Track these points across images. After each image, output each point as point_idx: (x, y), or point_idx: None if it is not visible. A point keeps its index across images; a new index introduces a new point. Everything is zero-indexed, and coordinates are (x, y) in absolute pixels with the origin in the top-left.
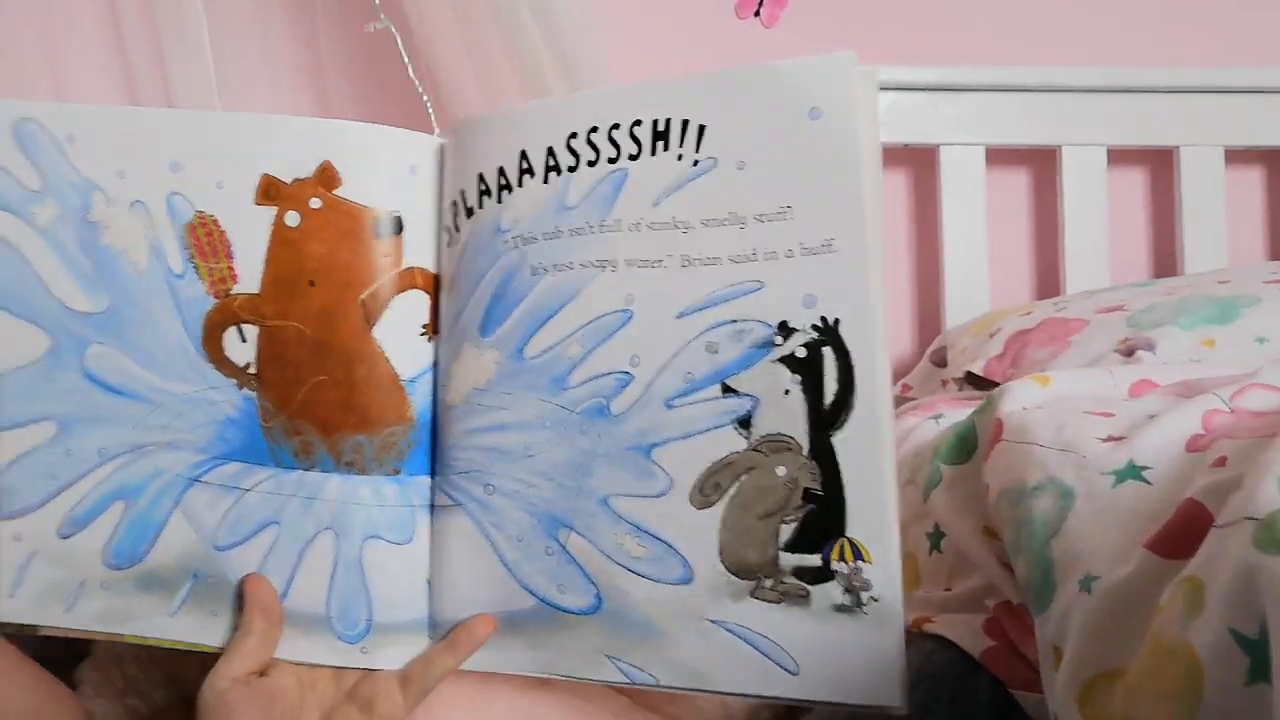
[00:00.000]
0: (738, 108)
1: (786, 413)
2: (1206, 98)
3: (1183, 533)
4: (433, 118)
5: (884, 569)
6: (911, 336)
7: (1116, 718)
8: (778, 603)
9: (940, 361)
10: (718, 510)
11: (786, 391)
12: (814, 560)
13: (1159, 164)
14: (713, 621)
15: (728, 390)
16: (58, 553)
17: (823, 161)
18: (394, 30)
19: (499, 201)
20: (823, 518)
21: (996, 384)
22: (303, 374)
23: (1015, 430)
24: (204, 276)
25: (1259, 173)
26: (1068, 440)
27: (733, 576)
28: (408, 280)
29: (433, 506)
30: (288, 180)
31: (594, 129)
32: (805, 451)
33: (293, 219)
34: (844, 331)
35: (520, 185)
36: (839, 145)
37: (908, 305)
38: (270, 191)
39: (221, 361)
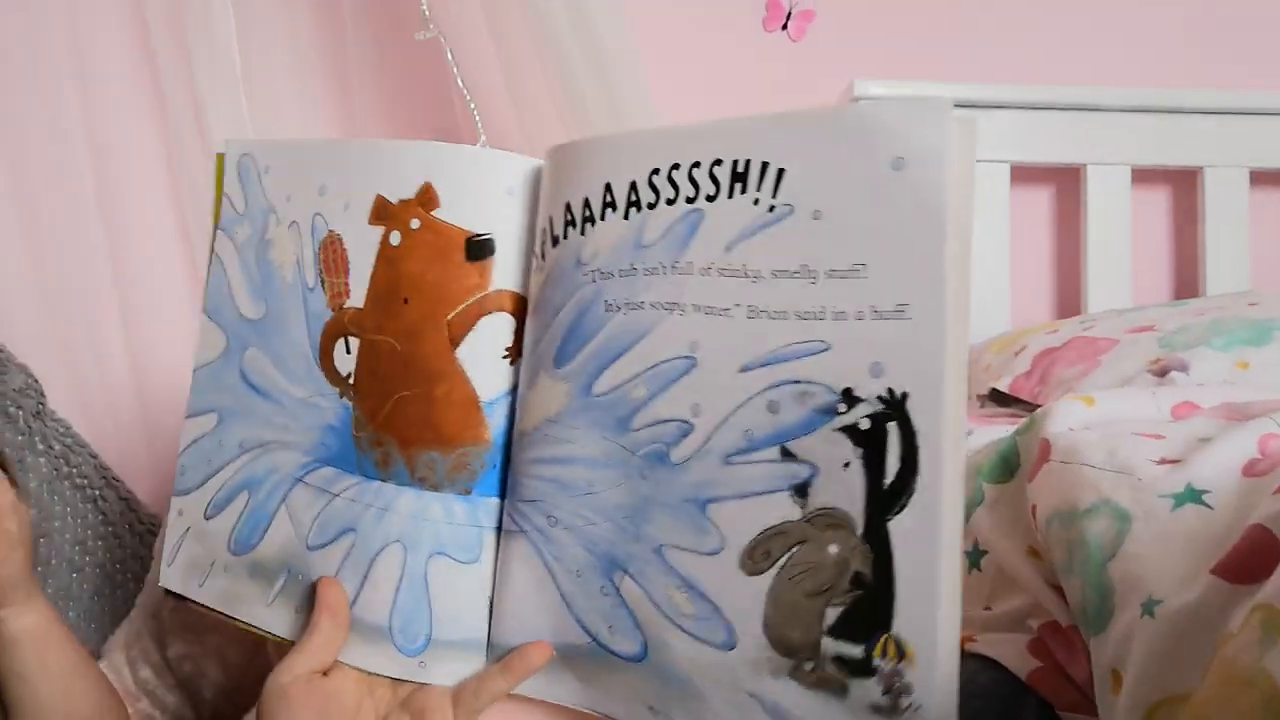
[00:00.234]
0: (818, 152)
1: (845, 487)
2: (1231, 119)
3: (1251, 559)
4: (479, 124)
5: (929, 674)
6: None
7: None
8: (815, 689)
9: None
10: (766, 580)
11: (847, 464)
12: (856, 651)
13: (1183, 184)
14: (750, 695)
15: (787, 454)
16: (202, 531)
17: (901, 217)
18: (444, 38)
19: (582, 234)
20: (870, 607)
21: (1022, 401)
22: (390, 387)
23: (1064, 451)
24: (327, 290)
25: None
26: (1121, 462)
27: (774, 653)
28: (494, 303)
29: (500, 529)
30: (395, 201)
31: (676, 165)
32: (859, 532)
33: (395, 238)
34: (911, 407)
35: (603, 219)
36: (922, 200)
37: None
38: (381, 212)
39: (330, 370)
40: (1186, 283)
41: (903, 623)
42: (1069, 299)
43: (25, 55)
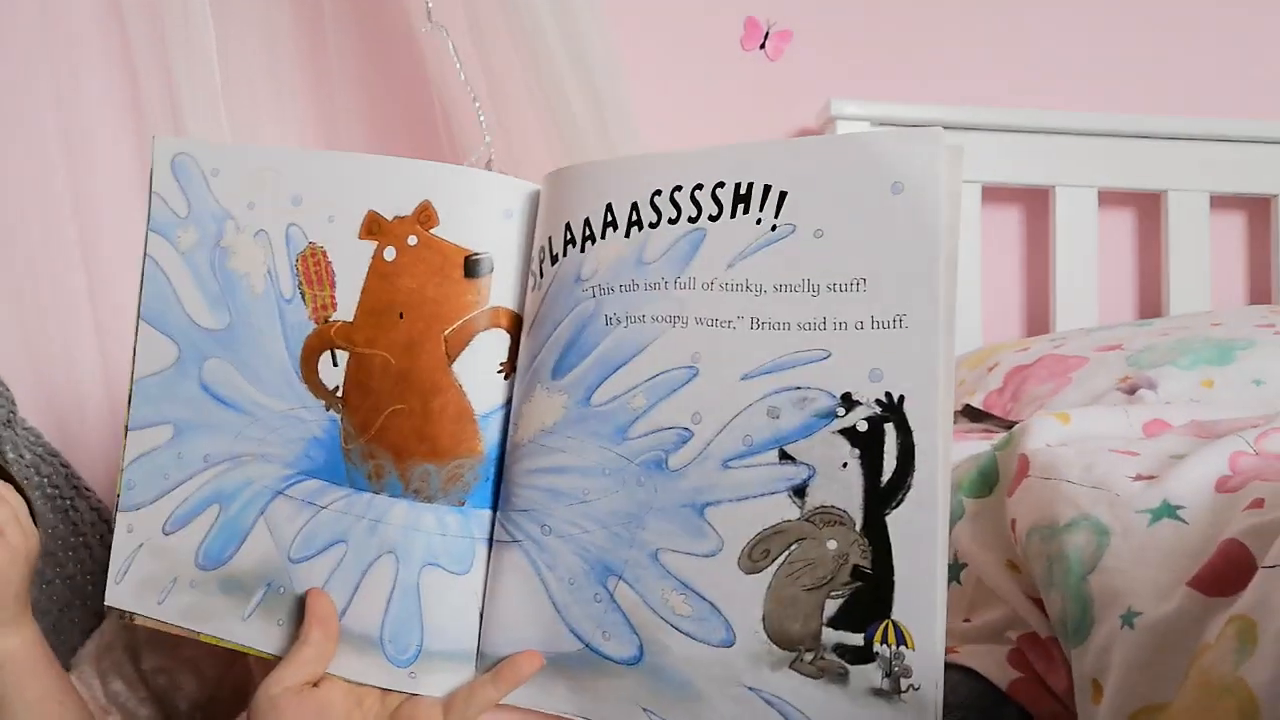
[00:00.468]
0: (820, 176)
1: (843, 485)
2: (1195, 145)
3: (1226, 572)
4: (483, 123)
5: (926, 657)
6: None
7: None
8: (816, 678)
9: None
10: (765, 577)
11: (844, 464)
12: (856, 639)
13: (1147, 206)
14: (750, 689)
15: (785, 457)
16: (159, 547)
17: (901, 236)
18: (447, 33)
19: (582, 251)
20: (869, 597)
21: (994, 417)
22: (383, 401)
23: (1042, 466)
24: (309, 303)
25: (1241, 218)
26: (1099, 478)
27: (774, 646)
28: (491, 319)
29: (492, 541)
30: (390, 217)
31: (678, 187)
32: (858, 527)
33: (390, 254)
34: (908, 409)
35: (603, 237)
36: (919, 221)
37: None
38: (373, 227)
39: (314, 383)
40: (1150, 302)
41: (902, 608)
42: (1038, 316)
43: (0, 61)
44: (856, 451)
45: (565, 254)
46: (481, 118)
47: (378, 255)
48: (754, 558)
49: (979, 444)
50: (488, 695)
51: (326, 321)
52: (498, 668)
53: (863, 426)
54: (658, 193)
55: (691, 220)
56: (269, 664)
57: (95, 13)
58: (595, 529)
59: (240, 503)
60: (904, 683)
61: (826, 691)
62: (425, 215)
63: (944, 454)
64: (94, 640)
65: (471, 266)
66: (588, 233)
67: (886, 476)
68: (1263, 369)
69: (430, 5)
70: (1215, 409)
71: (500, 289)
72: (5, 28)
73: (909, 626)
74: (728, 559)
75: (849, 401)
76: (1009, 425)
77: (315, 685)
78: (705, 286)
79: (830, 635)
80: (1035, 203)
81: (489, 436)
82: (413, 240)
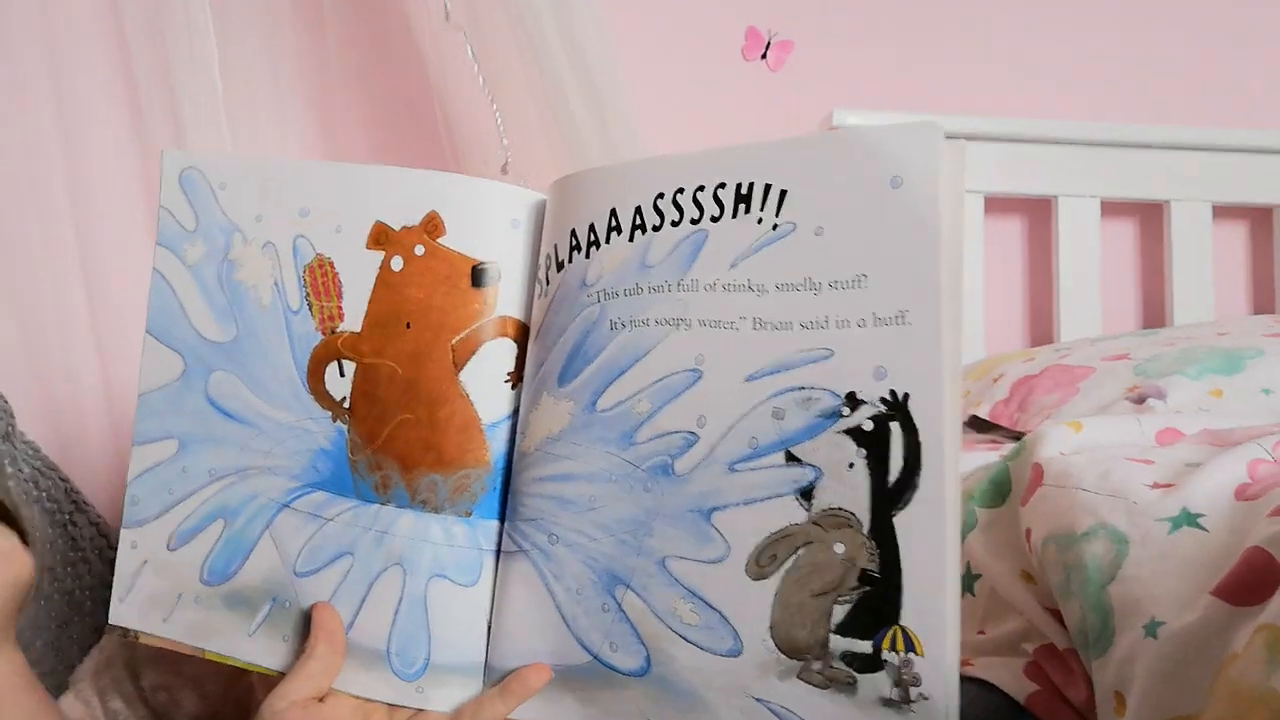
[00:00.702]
0: (820, 173)
1: (849, 487)
2: (1197, 155)
3: (1251, 580)
4: (501, 127)
5: (937, 665)
6: None
7: None
8: (824, 688)
9: None
10: (772, 583)
11: (851, 465)
12: (864, 647)
13: (1150, 217)
14: (757, 700)
15: (791, 459)
16: (164, 563)
17: (901, 231)
18: (465, 34)
19: (587, 257)
20: (877, 602)
21: (1001, 428)
22: (390, 411)
23: (1057, 475)
24: (316, 314)
25: (1244, 228)
26: (1115, 486)
27: (781, 654)
28: (498, 328)
29: (499, 552)
30: (397, 227)
31: (680, 190)
32: (865, 530)
33: (397, 264)
34: (913, 407)
35: (608, 242)
36: (919, 215)
37: None
38: (380, 237)
39: (321, 394)
40: (1153, 312)
41: (911, 614)
42: (1041, 327)
43: (1, 70)
44: (863, 452)
45: (570, 260)
46: (499, 118)
47: (385, 265)
48: (761, 563)
49: (987, 455)
50: (496, 710)
51: (334, 332)
52: (506, 681)
53: (868, 426)
54: (660, 195)
55: (694, 222)
56: (273, 680)
57: (96, 22)
58: (602, 537)
59: (245, 517)
60: (914, 692)
61: (834, 702)
62: (432, 225)
63: (952, 453)
64: (93, 657)
65: (478, 276)
66: (592, 238)
67: (893, 477)
68: (1272, 378)
69: (449, 5)
70: (1226, 418)
71: (507, 298)
72: (4, 37)
73: (918, 633)
74: (735, 565)
75: (853, 401)
76: (1016, 436)
77: (321, 700)
78: (708, 288)
79: (838, 643)
80: (1037, 213)
81: (496, 446)
82: (420, 250)
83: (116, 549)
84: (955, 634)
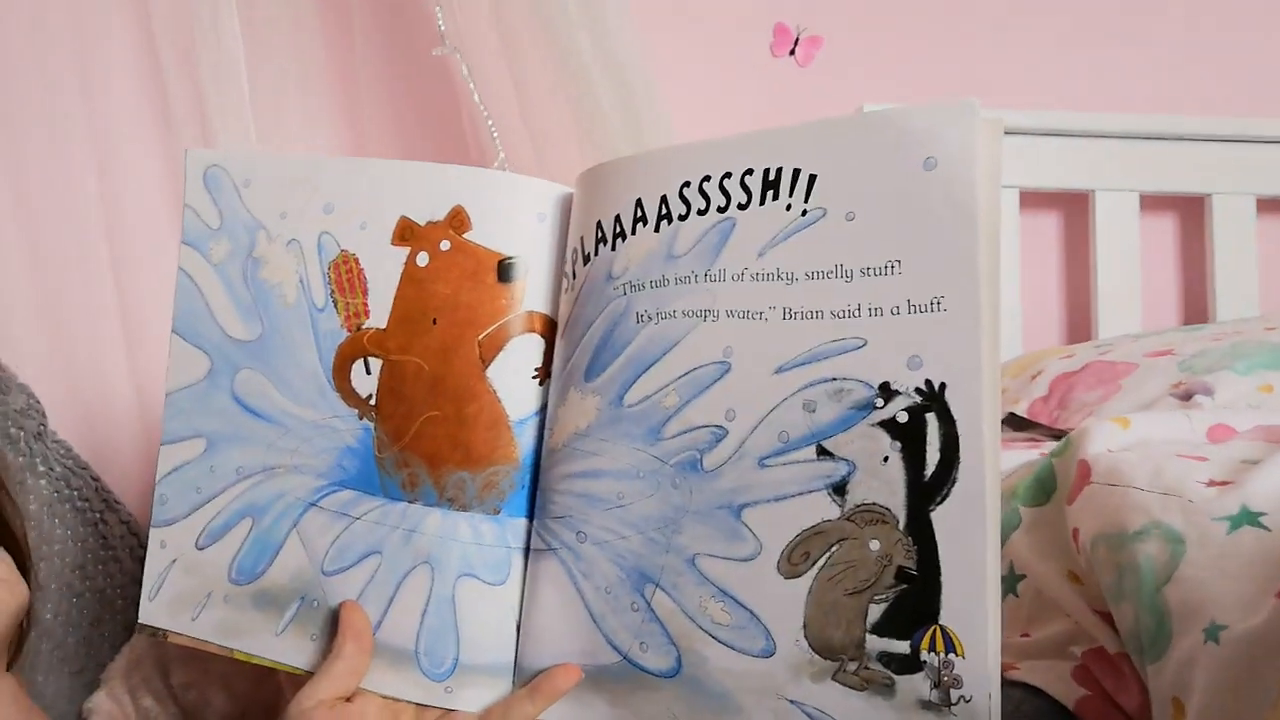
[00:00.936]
0: (850, 156)
1: (884, 482)
2: (1239, 147)
3: None
4: (496, 139)
5: (978, 666)
6: None
7: None
8: (860, 690)
9: None
10: (805, 582)
11: (885, 459)
12: (902, 647)
13: (1190, 211)
14: (791, 702)
15: (823, 453)
16: (192, 562)
17: (936, 215)
18: (460, 54)
19: (613, 249)
20: (915, 600)
21: (1040, 426)
22: (417, 408)
23: (1106, 472)
24: (341, 311)
25: None
26: (1168, 484)
27: (815, 655)
28: (525, 324)
29: (528, 550)
30: (423, 223)
31: (706, 177)
32: (901, 526)
33: (423, 259)
34: (950, 397)
35: (634, 233)
36: (954, 197)
37: None
38: (406, 233)
39: (347, 392)
40: (1195, 307)
41: (950, 613)
42: (1078, 324)
43: (31, 71)
44: (898, 445)
45: (597, 253)
46: (495, 135)
47: (410, 261)
48: (793, 561)
49: (1027, 453)
50: (525, 711)
51: (359, 329)
52: (535, 682)
53: (903, 418)
54: (686, 184)
55: (721, 210)
56: (300, 680)
57: (124, 26)
58: (631, 534)
59: (273, 515)
60: (954, 694)
61: (872, 704)
62: (458, 220)
63: (991, 444)
64: (124, 655)
65: (505, 270)
66: (618, 230)
67: (930, 470)
68: None
69: (444, 28)
70: (1277, 414)
71: (534, 293)
72: (35, 42)
73: (958, 632)
74: (766, 563)
75: (887, 391)
76: (1056, 434)
77: (348, 700)
78: (736, 277)
79: (874, 643)
80: (1074, 207)
81: (524, 443)
82: (446, 245)
83: (145, 547)
84: (997, 634)
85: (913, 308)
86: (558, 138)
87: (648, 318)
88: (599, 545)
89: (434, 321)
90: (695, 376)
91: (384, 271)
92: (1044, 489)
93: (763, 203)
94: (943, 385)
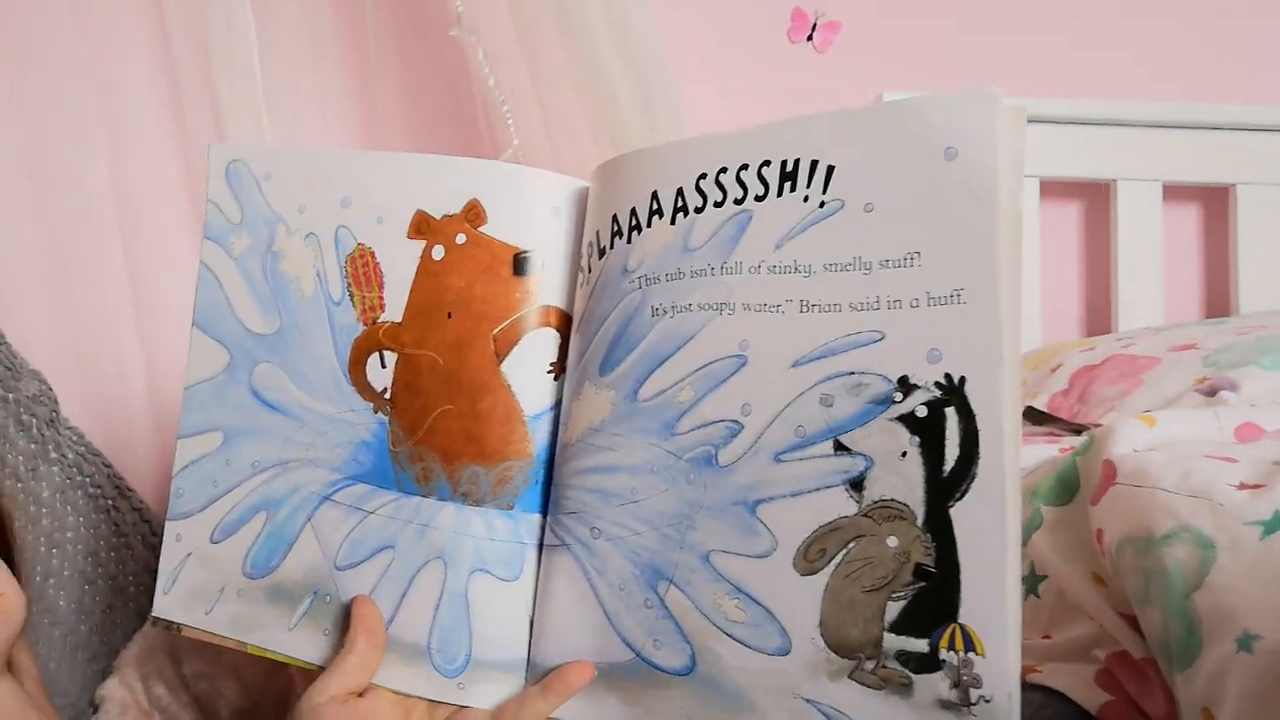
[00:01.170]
0: (869, 147)
1: (902, 477)
2: (1265, 136)
3: None
4: (511, 125)
5: (998, 665)
6: None
7: None
8: (878, 689)
9: None
10: (821, 579)
11: (904, 454)
12: (921, 645)
13: (1214, 201)
14: (807, 701)
15: (840, 448)
16: (207, 556)
17: (956, 205)
18: (476, 37)
19: (628, 242)
20: (934, 598)
21: (1060, 420)
22: (432, 402)
23: (1132, 473)
24: (357, 304)
25: None
26: (1197, 486)
27: (832, 653)
28: (540, 318)
29: (542, 546)
30: (438, 216)
31: (723, 169)
32: (919, 522)
33: (438, 253)
34: (970, 391)
35: (649, 226)
36: (974, 188)
37: None
38: (421, 226)
39: (363, 385)
40: (1218, 300)
41: (970, 611)
42: (1098, 316)
43: (45, 65)
44: (916, 439)
45: (612, 246)
46: (510, 123)
47: (426, 254)
48: (809, 558)
49: (1046, 448)
50: (538, 708)
51: (375, 323)
52: (548, 679)
53: (922, 412)
54: (703, 176)
55: (737, 202)
56: (313, 675)
57: (137, 18)
58: (645, 530)
59: (288, 509)
60: (974, 693)
61: (888, 704)
62: (474, 213)
63: (1012, 439)
64: (137, 643)
65: (520, 264)
66: (634, 223)
67: (949, 466)
68: None
69: (461, 10)
70: None
71: (549, 287)
72: (47, 35)
73: (978, 631)
74: (782, 560)
75: (906, 385)
76: (1076, 429)
77: (360, 696)
78: (752, 270)
79: (892, 641)
80: (1096, 197)
81: (539, 438)
82: (461, 239)
83: (157, 535)
84: (1018, 633)
85: (932, 300)
86: (572, 126)
87: (663, 311)
88: (613, 541)
89: (449, 315)
90: (711, 370)
91: (400, 265)
92: (1067, 488)
93: (780, 194)
94: (962, 379)
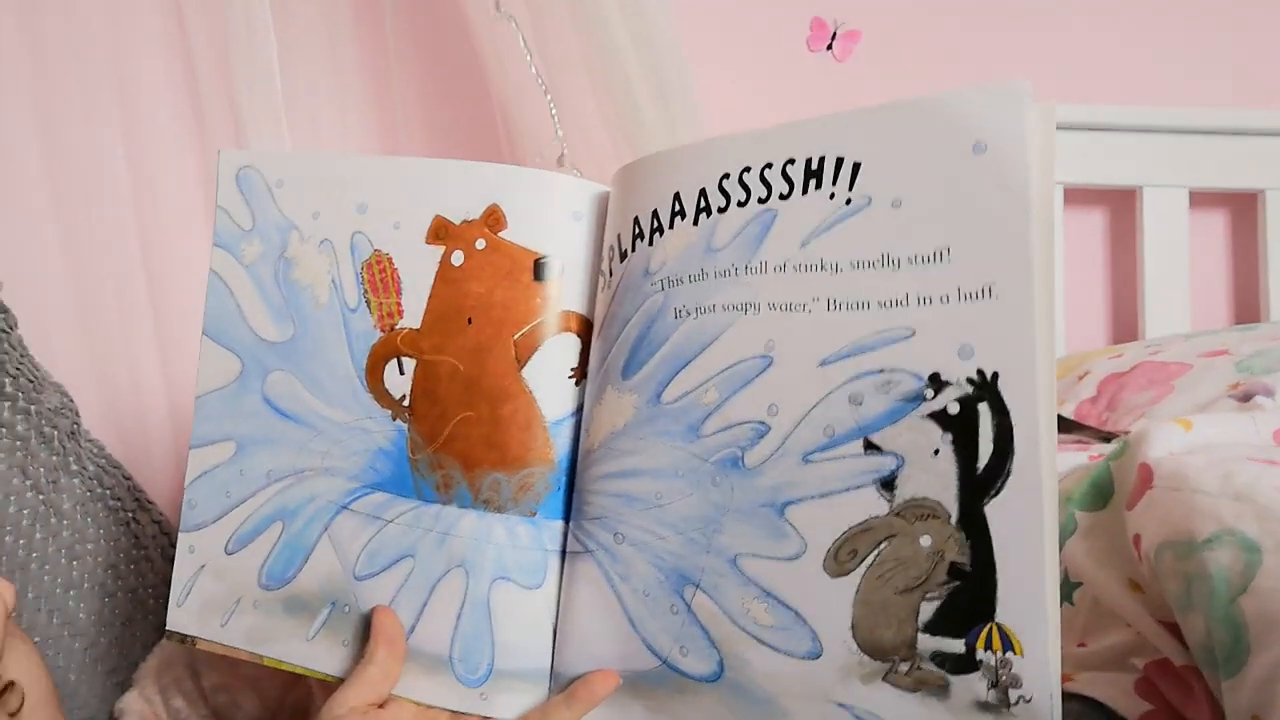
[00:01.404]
0: (896, 143)
1: (935, 475)
2: None
3: None
4: (555, 118)
5: (1038, 664)
6: None
7: None
8: (913, 691)
9: None
10: (853, 580)
11: (936, 451)
12: (957, 646)
13: (1242, 206)
14: (840, 705)
15: (870, 447)
16: (222, 568)
17: (986, 199)
18: (516, 24)
19: (650, 244)
20: (970, 597)
21: (1088, 428)
22: (452, 409)
23: (1170, 477)
24: (374, 311)
25: None
26: (1240, 489)
27: (865, 656)
28: (561, 323)
29: (564, 553)
30: (457, 221)
31: (747, 169)
32: (953, 520)
33: (458, 258)
34: (1003, 387)
35: (671, 227)
36: (1005, 182)
37: None
38: (440, 232)
39: (380, 393)
40: (1246, 307)
41: (1007, 610)
42: (1124, 324)
43: (66, 73)
44: (948, 436)
45: (634, 249)
46: (553, 110)
47: (445, 260)
48: (840, 559)
49: (1075, 455)
50: (562, 717)
51: (393, 329)
52: (572, 688)
53: (954, 409)
54: (726, 176)
55: (761, 201)
56: (332, 686)
57: (157, 22)
58: (670, 535)
59: (304, 519)
60: (1013, 694)
61: (926, 705)
62: (493, 218)
63: (1047, 435)
64: (155, 655)
65: (540, 269)
66: (655, 225)
67: (983, 463)
68: None
69: None
70: None
71: (570, 293)
72: (71, 43)
73: (1016, 630)
74: (812, 562)
75: (937, 382)
76: (1105, 436)
77: (381, 707)
78: (778, 269)
79: (927, 642)
80: (1120, 204)
81: (560, 444)
82: (481, 244)
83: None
84: (1056, 631)
85: (963, 296)
86: (591, 128)
87: (686, 313)
88: (637, 546)
89: (469, 321)
90: (736, 371)
91: (418, 271)
92: (1101, 493)
93: (805, 193)
94: (995, 375)
